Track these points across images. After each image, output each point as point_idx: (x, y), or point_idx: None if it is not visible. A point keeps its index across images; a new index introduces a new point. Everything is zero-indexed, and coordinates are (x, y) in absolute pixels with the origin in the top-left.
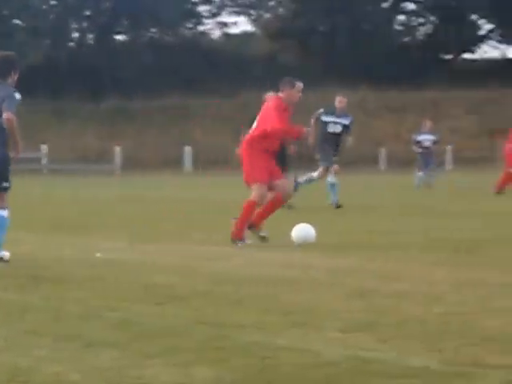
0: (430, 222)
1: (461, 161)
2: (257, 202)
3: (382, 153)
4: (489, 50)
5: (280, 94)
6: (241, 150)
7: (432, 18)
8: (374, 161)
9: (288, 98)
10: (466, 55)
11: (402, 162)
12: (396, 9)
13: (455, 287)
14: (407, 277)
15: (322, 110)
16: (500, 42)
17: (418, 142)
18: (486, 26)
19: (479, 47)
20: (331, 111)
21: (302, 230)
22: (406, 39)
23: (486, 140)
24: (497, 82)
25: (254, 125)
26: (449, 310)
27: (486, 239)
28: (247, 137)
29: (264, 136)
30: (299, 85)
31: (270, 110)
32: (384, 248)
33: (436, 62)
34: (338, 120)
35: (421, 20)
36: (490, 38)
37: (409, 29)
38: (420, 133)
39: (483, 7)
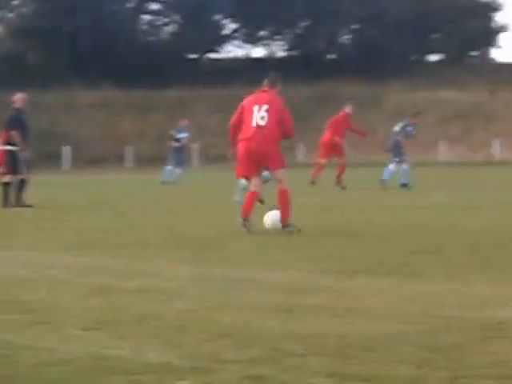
0: (174, 219)
1: (207, 159)
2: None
3: (128, 151)
4: (233, 50)
5: (275, 90)
6: (257, 141)
7: (176, 18)
8: (120, 159)
9: (279, 93)
10: (211, 54)
11: (149, 160)
12: (140, 8)
13: (196, 283)
14: (148, 273)
15: None
16: (244, 41)
17: (178, 140)
18: (230, 26)
19: (224, 47)
20: None
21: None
22: (151, 38)
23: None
24: (241, 80)
25: (262, 116)
26: (189, 306)
27: (229, 235)
28: (261, 128)
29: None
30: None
31: (282, 107)
32: (124, 245)
33: (181, 61)
34: None
35: (165, 20)
36: (235, 38)
37: (153, 28)
38: (178, 130)
39: (227, 7)
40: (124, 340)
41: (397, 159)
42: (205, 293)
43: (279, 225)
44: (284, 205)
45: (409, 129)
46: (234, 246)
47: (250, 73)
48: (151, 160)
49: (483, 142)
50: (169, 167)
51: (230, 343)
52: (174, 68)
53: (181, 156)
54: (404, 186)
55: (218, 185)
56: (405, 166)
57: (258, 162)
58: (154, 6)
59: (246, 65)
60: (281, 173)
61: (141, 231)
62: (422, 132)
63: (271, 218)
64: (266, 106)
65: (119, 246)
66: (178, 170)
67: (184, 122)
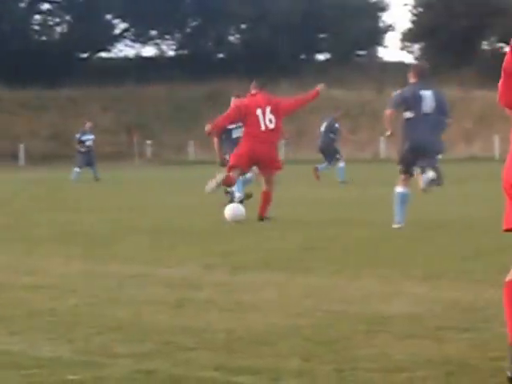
0: (68, 216)
1: (99, 157)
2: None
3: (21, 149)
4: (124, 49)
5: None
6: (266, 146)
7: (67, 18)
8: (14, 157)
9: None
10: (103, 54)
11: (41, 158)
12: (33, 8)
13: (89, 279)
14: (41, 270)
15: None
16: (134, 41)
17: (82, 142)
18: (120, 26)
19: (115, 46)
20: None
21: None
22: (43, 38)
23: (124, 136)
24: (133, 79)
25: (270, 119)
26: (80, 302)
27: (122, 232)
28: (271, 131)
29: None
30: None
31: (275, 99)
32: (18, 242)
33: (73, 60)
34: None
35: (57, 19)
36: (125, 37)
37: (45, 28)
38: (82, 133)
39: (117, 7)
40: (16, 335)
41: (338, 156)
42: (97, 288)
43: (239, 217)
44: (266, 203)
45: (332, 123)
46: (127, 243)
47: (140, 72)
48: (44, 158)
49: (370, 141)
50: (77, 169)
51: (121, 337)
52: (67, 67)
53: (88, 156)
54: (342, 182)
55: (111, 182)
56: (341, 164)
57: (255, 162)
58: (46, 6)
59: (137, 64)
60: (273, 176)
61: (34, 228)
62: (312, 131)
63: (232, 210)
64: (269, 108)
65: (12, 242)
66: (77, 170)
67: (88, 125)
